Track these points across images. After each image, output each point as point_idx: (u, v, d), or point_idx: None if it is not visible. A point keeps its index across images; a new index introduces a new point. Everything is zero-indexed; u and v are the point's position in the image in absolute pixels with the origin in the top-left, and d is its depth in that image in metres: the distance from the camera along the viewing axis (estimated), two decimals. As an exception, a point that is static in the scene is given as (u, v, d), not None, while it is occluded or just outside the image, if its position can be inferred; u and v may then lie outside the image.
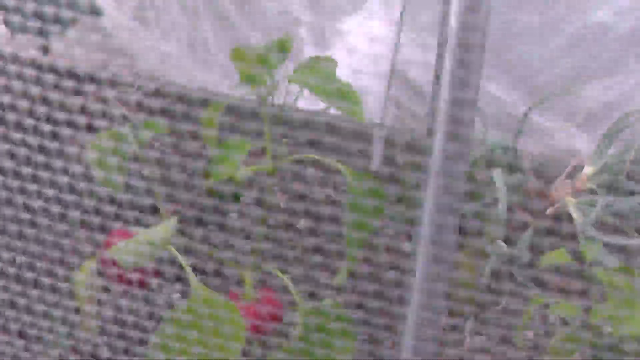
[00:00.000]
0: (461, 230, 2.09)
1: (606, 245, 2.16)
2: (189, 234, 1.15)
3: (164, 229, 1.06)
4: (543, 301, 1.62)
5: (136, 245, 1.03)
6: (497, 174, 2.06)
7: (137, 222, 1.13)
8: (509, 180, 2.28)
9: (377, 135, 2.39)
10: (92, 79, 2.01)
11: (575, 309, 1.53)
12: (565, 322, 1.85)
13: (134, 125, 1.30)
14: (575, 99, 2.64)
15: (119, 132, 1.23)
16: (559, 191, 2.47)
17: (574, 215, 2.28)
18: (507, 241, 2.23)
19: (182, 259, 1.05)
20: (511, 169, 2.31)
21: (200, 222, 1.19)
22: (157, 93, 2.24)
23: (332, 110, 1.67)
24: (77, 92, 2.01)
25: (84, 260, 1.14)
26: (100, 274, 1.13)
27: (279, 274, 1.20)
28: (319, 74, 1.31)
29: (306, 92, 1.51)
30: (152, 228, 1.06)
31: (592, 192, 2.51)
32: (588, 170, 2.50)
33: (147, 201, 1.16)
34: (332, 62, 1.50)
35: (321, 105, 1.67)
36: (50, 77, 1.54)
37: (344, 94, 1.31)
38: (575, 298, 1.66)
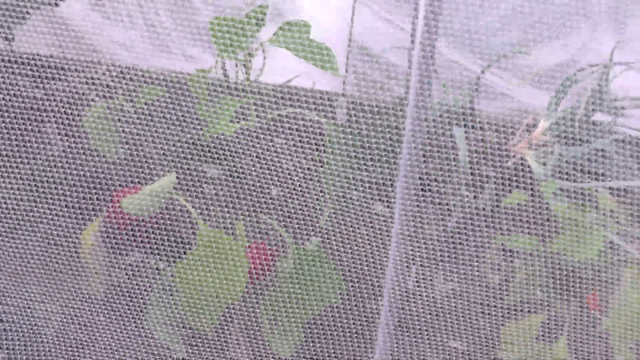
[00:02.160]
0: (426, 187, 2.23)
1: (563, 190, 2.32)
2: (186, 189, 1.24)
3: (166, 182, 1.14)
4: (505, 239, 1.75)
5: (142, 197, 1.11)
6: (458, 131, 2.19)
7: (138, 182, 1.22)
8: (469, 137, 2.43)
9: (339, 105, 2.50)
10: (58, 67, 2.09)
11: (533, 242, 1.66)
12: (527, 263, 2.00)
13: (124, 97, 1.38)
14: (527, 60, 2.79)
15: (111, 105, 1.30)
16: (518, 145, 2.63)
17: (533, 165, 2.43)
18: (470, 194, 2.37)
19: (187, 204, 1.14)
20: (471, 127, 2.45)
21: (195, 177, 1.28)
22: (122, 77, 2.30)
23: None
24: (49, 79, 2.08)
25: (89, 223, 1.21)
26: (107, 227, 1.20)
27: (269, 220, 1.30)
28: (296, 36, 1.41)
29: (279, 63, 1.61)
30: (155, 183, 1.15)
31: (547, 144, 2.67)
32: (543, 124, 2.67)
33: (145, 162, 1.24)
34: (306, 26, 1.61)
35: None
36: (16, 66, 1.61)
37: (320, 52, 1.42)
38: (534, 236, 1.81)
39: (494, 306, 1.85)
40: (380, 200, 2.29)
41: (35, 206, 1.41)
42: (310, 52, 1.45)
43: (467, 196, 2.28)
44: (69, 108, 2.01)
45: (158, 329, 1.13)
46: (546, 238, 1.64)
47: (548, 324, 1.61)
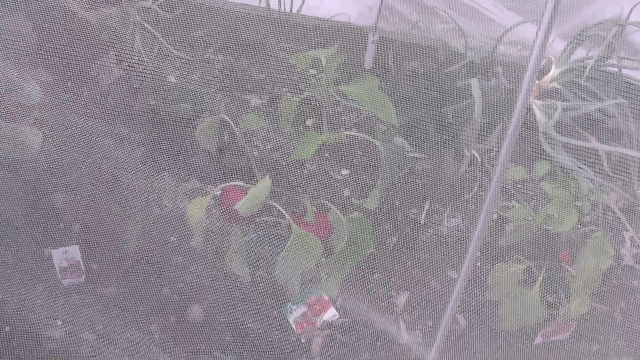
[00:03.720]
0: (444, 131, 2.47)
1: (565, 145, 2.54)
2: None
3: (263, 186, 1.47)
4: (501, 208, 2.04)
5: (249, 200, 1.45)
6: (474, 83, 2.40)
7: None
8: (485, 84, 2.63)
9: (370, 38, 2.66)
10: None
11: (524, 211, 1.95)
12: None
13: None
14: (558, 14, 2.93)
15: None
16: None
17: (537, 116, 2.65)
18: (482, 137, 2.61)
19: (281, 209, 1.50)
20: (488, 74, 2.65)
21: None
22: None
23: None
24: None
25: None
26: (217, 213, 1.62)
27: (327, 203, 1.64)
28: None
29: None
30: (256, 186, 1.48)
31: (556, 91, 2.86)
32: (554, 71, 2.84)
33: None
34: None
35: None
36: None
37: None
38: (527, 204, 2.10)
39: (489, 245, 2.17)
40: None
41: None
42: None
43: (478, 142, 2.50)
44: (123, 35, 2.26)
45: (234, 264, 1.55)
46: (536, 209, 1.92)
47: (529, 271, 1.95)
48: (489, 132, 2.57)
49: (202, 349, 1.80)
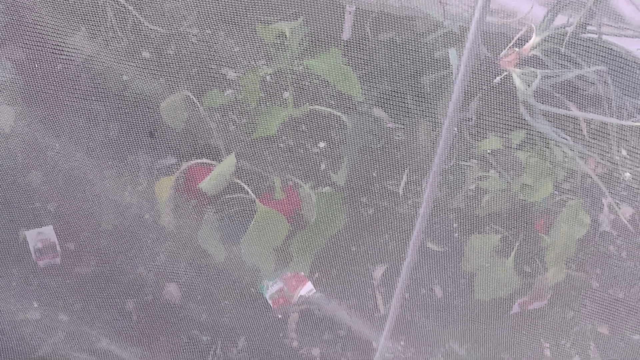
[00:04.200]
0: (422, 101, 2.45)
1: (544, 114, 2.53)
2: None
3: (228, 163, 1.45)
4: (478, 180, 2.04)
5: (214, 179, 1.44)
6: (452, 53, 2.37)
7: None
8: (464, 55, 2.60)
9: (347, 9, 2.62)
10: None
11: (499, 182, 1.95)
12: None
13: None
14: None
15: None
16: (507, 59, 2.79)
17: (517, 84, 2.63)
18: (460, 107, 2.60)
19: (245, 186, 1.48)
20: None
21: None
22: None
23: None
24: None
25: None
26: (180, 190, 1.59)
27: (296, 180, 1.63)
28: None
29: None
30: (221, 164, 1.46)
31: (536, 59, 2.84)
32: (534, 38, 2.81)
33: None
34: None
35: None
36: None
37: None
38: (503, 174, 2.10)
39: (467, 215, 2.17)
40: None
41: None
42: None
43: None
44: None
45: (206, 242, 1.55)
46: (511, 179, 1.92)
47: (505, 241, 1.96)
48: (468, 102, 2.56)
49: (178, 328, 1.82)
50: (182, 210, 1.66)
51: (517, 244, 1.91)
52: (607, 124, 2.57)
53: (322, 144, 2.09)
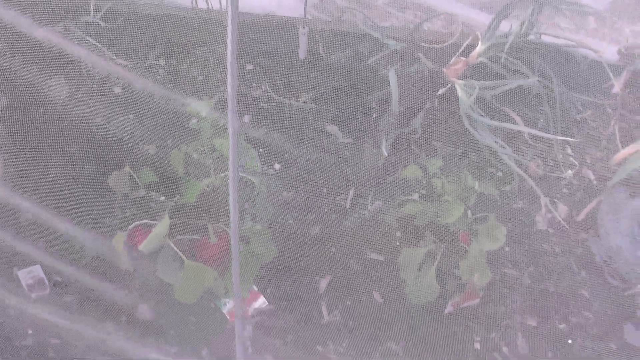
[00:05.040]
0: (365, 120, 2.66)
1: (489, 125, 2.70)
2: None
3: (163, 226, 1.75)
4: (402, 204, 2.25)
5: (151, 241, 1.74)
6: (392, 74, 2.56)
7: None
8: (407, 70, 2.78)
9: (301, 30, 2.81)
10: None
11: (420, 206, 2.18)
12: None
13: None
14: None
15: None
16: (453, 70, 2.96)
17: (459, 94, 2.81)
18: (405, 122, 2.79)
19: (174, 247, 1.78)
20: (411, 59, 2.79)
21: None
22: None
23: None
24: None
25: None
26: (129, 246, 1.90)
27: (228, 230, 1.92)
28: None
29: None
30: (156, 227, 1.75)
31: (483, 66, 2.99)
32: (480, 46, 2.96)
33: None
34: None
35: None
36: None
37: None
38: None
39: (406, 228, 2.41)
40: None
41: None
42: None
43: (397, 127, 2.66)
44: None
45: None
46: (429, 203, 2.14)
47: (431, 253, 2.20)
48: (414, 115, 2.76)
49: (150, 343, 2.14)
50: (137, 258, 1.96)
51: (437, 258, 2.15)
52: (550, 123, 2.74)
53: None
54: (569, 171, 2.77)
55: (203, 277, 1.83)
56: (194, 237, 1.89)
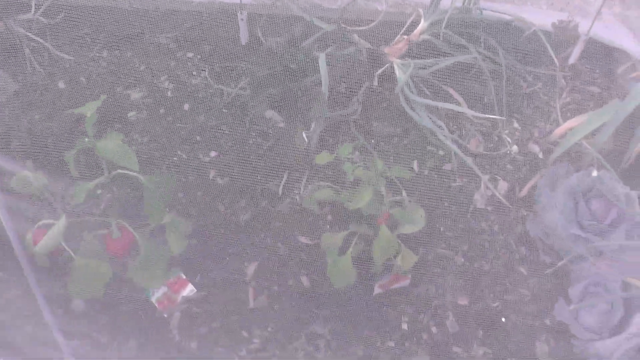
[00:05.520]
0: (302, 104, 2.65)
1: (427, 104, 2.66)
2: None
3: (59, 226, 1.80)
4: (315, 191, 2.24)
5: (46, 241, 1.80)
6: (321, 57, 2.54)
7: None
8: (343, 53, 2.75)
9: (239, 16, 2.82)
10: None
11: (331, 192, 2.17)
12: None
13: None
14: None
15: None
16: (395, 49, 2.91)
17: (397, 72, 2.77)
18: (340, 104, 2.77)
19: (65, 246, 1.84)
20: (346, 40, 2.76)
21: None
22: None
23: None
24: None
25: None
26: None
27: (126, 225, 1.97)
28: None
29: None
30: (53, 228, 1.82)
31: (426, 43, 2.94)
32: (422, 23, 2.91)
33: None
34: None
35: None
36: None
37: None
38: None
39: (337, 212, 2.41)
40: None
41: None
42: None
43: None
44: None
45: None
46: (340, 190, 2.13)
47: (349, 237, 2.21)
48: (352, 96, 2.74)
49: (83, 332, 2.21)
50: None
51: (353, 242, 2.15)
52: (497, 98, 2.68)
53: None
54: (515, 147, 2.72)
55: (97, 272, 1.88)
56: (100, 233, 1.95)
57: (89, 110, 1.89)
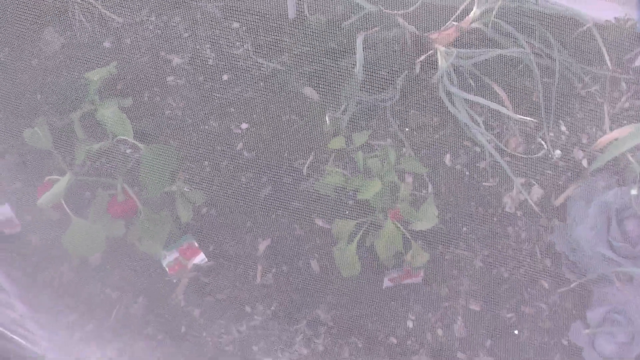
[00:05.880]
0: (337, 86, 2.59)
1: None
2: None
3: (63, 182, 1.85)
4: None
5: (49, 196, 1.86)
6: (359, 39, 2.45)
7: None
8: (385, 36, 2.65)
9: None
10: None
11: (341, 179, 2.11)
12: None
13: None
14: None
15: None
16: (444, 35, 2.77)
17: (439, 61, 2.64)
18: (378, 89, 2.67)
19: (64, 204, 1.89)
20: (390, 23, 2.66)
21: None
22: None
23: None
24: None
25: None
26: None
27: (129, 189, 2.00)
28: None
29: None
30: (57, 183, 1.87)
31: (477, 32, 2.78)
32: (475, 11, 2.75)
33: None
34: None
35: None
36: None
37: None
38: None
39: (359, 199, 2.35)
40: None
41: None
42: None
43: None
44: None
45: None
46: (350, 178, 2.06)
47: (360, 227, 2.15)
48: (391, 82, 2.64)
49: (96, 287, 2.27)
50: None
51: (360, 232, 2.10)
52: (548, 98, 2.51)
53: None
54: (558, 151, 2.56)
55: (92, 233, 1.91)
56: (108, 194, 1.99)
57: (97, 75, 1.92)
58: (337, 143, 2.12)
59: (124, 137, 1.89)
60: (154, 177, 1.89)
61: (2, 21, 2.70)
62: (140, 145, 1.91)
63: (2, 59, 2.70)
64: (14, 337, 1.84)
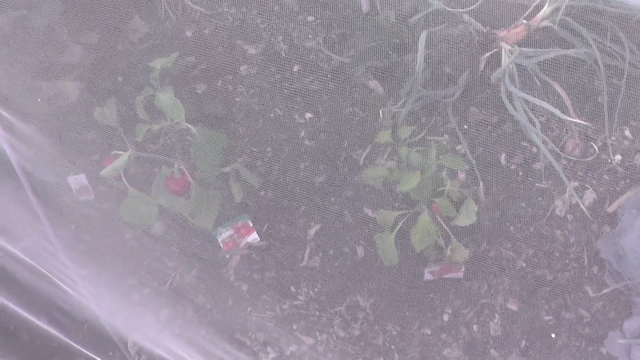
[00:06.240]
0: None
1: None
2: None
3: (124, 157, 2.06)
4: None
5: (111, 169, 2.08)
6: (422, 36, 2.48)
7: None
8: (449, 33, 2.66)
9: None
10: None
11: (382, 171, 2.16)
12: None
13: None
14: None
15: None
16: (513, 33, 2.73)
17: (502, 58, 2.61)
18: (441, 85, 2.69)
19: (123, 178, 2.13)
20: (455, 21, 2.66)
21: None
22: None
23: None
24: None
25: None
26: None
27: (184, 169, 2.18)
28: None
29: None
30: (119, 158, 2.08)
31: (547, 31, 2.73)
32: (546, 9, 2.70)
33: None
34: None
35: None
36: None
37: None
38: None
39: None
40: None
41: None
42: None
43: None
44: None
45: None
46: (392, 171, 2.12)
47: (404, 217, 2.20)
48: (454, 79, 2.66)
49: (155, 257, 2.49)
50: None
51: (400, 223, 2.16)
52: (613, 101, 2.45)
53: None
54: (618, 156, 2.50)
55: (146, 204, 2.10)
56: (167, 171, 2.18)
57: (159, 64, 2.09)
58: (384, 137, 2.19)
59: (177, 121, 2.07)
60: (205, 158, 2.06)
61: (95, 8, 2.97)
62: (192, 128, 2.08)
63: (93, 44, 2.98)
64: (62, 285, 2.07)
